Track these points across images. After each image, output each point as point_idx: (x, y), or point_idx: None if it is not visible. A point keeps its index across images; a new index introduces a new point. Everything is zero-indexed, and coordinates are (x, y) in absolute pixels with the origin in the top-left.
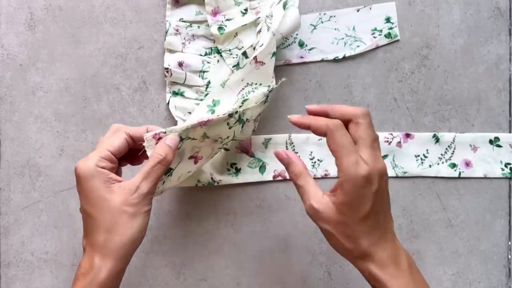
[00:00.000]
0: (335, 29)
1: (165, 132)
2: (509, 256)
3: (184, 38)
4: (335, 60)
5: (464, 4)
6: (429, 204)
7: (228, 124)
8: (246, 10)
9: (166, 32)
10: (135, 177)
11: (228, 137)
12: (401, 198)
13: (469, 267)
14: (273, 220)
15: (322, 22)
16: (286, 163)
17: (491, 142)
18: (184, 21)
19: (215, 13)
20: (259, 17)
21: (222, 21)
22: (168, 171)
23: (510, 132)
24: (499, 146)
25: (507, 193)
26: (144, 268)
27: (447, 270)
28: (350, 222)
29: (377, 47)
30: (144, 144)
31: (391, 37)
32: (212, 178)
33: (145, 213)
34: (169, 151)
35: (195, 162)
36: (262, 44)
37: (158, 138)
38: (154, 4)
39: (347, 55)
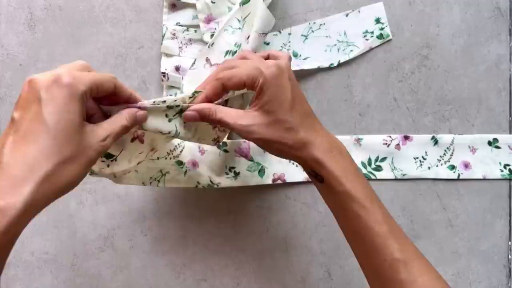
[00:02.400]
0: (327, 36)
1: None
2: (509, 256)
3: (181, 42)
4: (331, 68)
5: (464, 4)
6: (429, 204)
7: (167, 116)
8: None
9: (163, 37)
10: (103, 125)
11: (169, 132)
12: (401, 198)
13: (469, 267)
14: (273, 220)
15: (312, 32)
16: (200, 117)
17: (489, 143)
18: (181, 25)
19: (208, 20)
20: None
21: (215, 28)
22: (107, 156)
23: (510, 132)
24: (497, 147)
25: (507, 193)
26: (144, 268)
27: (447, 270)
28: (280, 116)
29: (376, 47)
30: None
31: (384, 38)
32: (211, 181)
33: (92, 163)
34: (142, 115)
35: (141, 141)
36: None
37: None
38: (154, 4)
39: (341, 61)
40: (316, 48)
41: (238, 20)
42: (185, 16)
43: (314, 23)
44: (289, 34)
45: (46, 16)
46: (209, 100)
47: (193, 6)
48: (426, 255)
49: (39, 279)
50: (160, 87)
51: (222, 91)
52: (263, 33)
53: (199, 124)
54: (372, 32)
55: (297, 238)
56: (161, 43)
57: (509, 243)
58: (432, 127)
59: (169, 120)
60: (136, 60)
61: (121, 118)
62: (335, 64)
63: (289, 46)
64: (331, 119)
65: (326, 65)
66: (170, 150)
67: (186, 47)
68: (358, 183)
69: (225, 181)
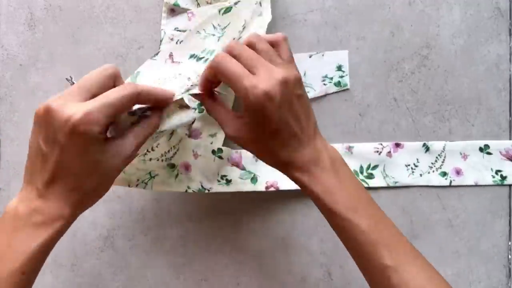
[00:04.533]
0: None
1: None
2: (509, 256)
3: None
4: None
5: (464, 4)
6: (429, 204)
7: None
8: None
9: (161, 41)
10: (127, 137)
11: (191, 121)
12: (401, 198)
13: (469, 267)
14: (273, 220)
15: None
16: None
17: (481, 149)
18: (179, 30)
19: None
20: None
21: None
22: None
23: (510, 132)
24: (489, 153)
25: (507, 193)
26: (144, 268)
27: (447, 270)
28: (262, 139)
29: (376, 48)
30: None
31: (341, 86)
32: (202, 186)
33: (119, 173)
34: (156, 118)
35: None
36: None
37: None
38: (154, 4)
39: None
40: None
41: (213, 26)
42: (183, 21)
43: None
44: None
45: (46, 16)
46: (206, 81)
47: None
48: (426, 255)
49: (39, 279)
50: None
51: (215, 78)
52: None
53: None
54: (332, 78)
55: (297, 238)
56: (159, 48)
57: (509, 243)
58: (432, 127)
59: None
60: (136, 60)
61: (145, 127)
62: None
63: None
64: (331, 119)
65: None
66: (165, 151)
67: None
68: (340, 196)
69: (216, 187)
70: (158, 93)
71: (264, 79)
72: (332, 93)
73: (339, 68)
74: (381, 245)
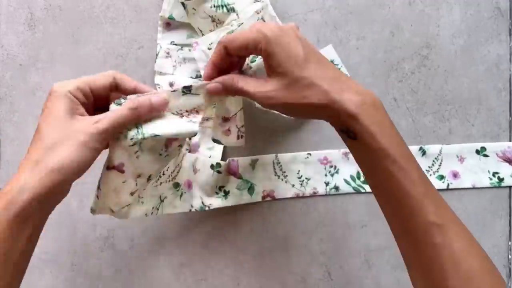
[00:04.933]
0: None
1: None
2: (509, 256)
3: (175, 61)
4: None
5: (464, 4)
6: None
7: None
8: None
9: (157, 55)
10: (99, 114)
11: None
12: None
13: None
14: (273, 220)
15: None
16: (224, 88)
17: (477, 152)
18: (176, 44)
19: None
20: None
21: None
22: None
23: (510, 132)
24: (485, 155)
25: (507, 193)
26: (144, 268)
27: None
28: (296, 74)
29: (376, 47)
30: (128, 97)
31: None
32: (202, 203)
33: (95, 150)
34: (145, 105)
35: (121, 171)
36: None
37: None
38: (154, 4)
39: None
40: None
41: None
42: (179, 35)
43: None
44: None
45: (46, 16)
46: (216, 66)
47: (187, 25)
48: None
49: (39, 279)
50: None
51: (226, 56)
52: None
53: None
54: None
55: (297, 238)
56: (155, 62)
57: (509, 243)
58: (432, 127)
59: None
60: (136, 60)
61: (124, 106)
62: None
63: None
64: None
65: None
66: (171, 172)
67: (180, 65)
68: (394, 140)
69: (215, 202)
70: (133, 84)
71: (274, 25)
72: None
73: (332, 62)
74: (428, 200)
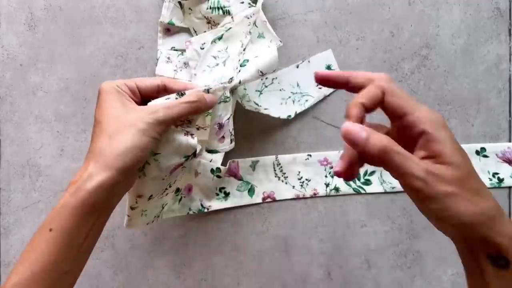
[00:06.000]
0: (280, 90)
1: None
2: None
3: (176, 66)
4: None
5: (464, 4)
6: None
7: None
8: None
9: (157, 60)
10: (156, 103)
11: (231, 114)
12: (401, 199)
13: None
14: (273, 220)
15: (266, 86)
16: (356, 144)
17: (477, 153)
18: (176, 50)
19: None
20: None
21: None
22: (151, 153)
23: (510, 132)
24: (485, 156)
25: (507, 193)
26: (144, 268)
27: (447, 270)
28: (466, 171)
29: (376, 47)
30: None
31: None
32: (202, 205)
33: (151, 138)
34: (203, 100)
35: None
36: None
37: None
38: (154, 4)
39: (298, 111)
40: (272, 102)
41: (214, 57)
42: (179, 40)
43: (266, 78)
44: (244, 89)
45: (46, 16)
46: (366, 107)
47: (187, 30)
48: (426, 255)
49: None
50: None
51: (377, 104)
52: (262, 73)
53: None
54: None
55: (297, 238)
56: (156, 64)
57: None
58: None
59: (219, 102)
60: (136, 60)
61: (182, 99)
62: (292, 116)
63: (248, 98)
64: (331, 119)
65: (284, 116)
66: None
67: (180, 70)
68: None
69: (215, 204)
70: (183, 85)
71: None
72: (330, 94)
73: (329, 67)
74: None
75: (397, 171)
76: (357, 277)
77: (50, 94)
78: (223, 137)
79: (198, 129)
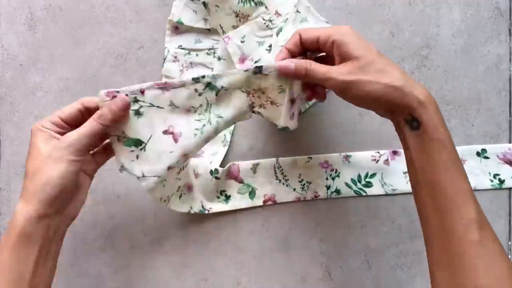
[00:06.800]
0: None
1: (118, 92)
2: (510, 256)
3: (182, 65)
4: None
5: (464, 4)
6: None
7: (196, 90)
8: (270, 46)
9: (164, 59)
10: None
11: (201, 105)
12: (401, 198)
13: None
14: (273, 220)
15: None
16: (296, 70)
17: (478, 154)
18: (183, 49)
19: (242, 60)
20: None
21: (252, 65)
22: (137, 142)
23: (510, 132)
24: (486, 157)
25: (507, 193)
26: (144, 268)
27: None
28: (370, 58)
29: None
30: (97, 101)
31: None
32: (202, 206)
33: (70, 161)
34: (106, 110)
35: (175, 140)
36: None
37: (112, 97)
38: (154, 4)
39: (302, 110)
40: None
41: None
42: (187, 39)
43: None
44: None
45: (46, 16)
46: (289, 52)
47: (195, 29)
48: (426, 255)
49: None
50: None
51: (299, 44)
52: None
53: (232, 94)
54: None
55: (297, 238)
56: (162, 66)
57: (509, 243)
58: None
59: (199, 94)
60: (136, 60)
61: (91, 117)
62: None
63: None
64: (331, 119)
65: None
66: (178, 171)
67: (187, 70)
68: (448, 133)
69: (216, 206)
70: (93, 100)
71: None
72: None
73: None
74: (472, 198)
75: (320, 81)
76: (357, 277)
77: (50, 94)
78: (293, 113)
79: (272, 103)
